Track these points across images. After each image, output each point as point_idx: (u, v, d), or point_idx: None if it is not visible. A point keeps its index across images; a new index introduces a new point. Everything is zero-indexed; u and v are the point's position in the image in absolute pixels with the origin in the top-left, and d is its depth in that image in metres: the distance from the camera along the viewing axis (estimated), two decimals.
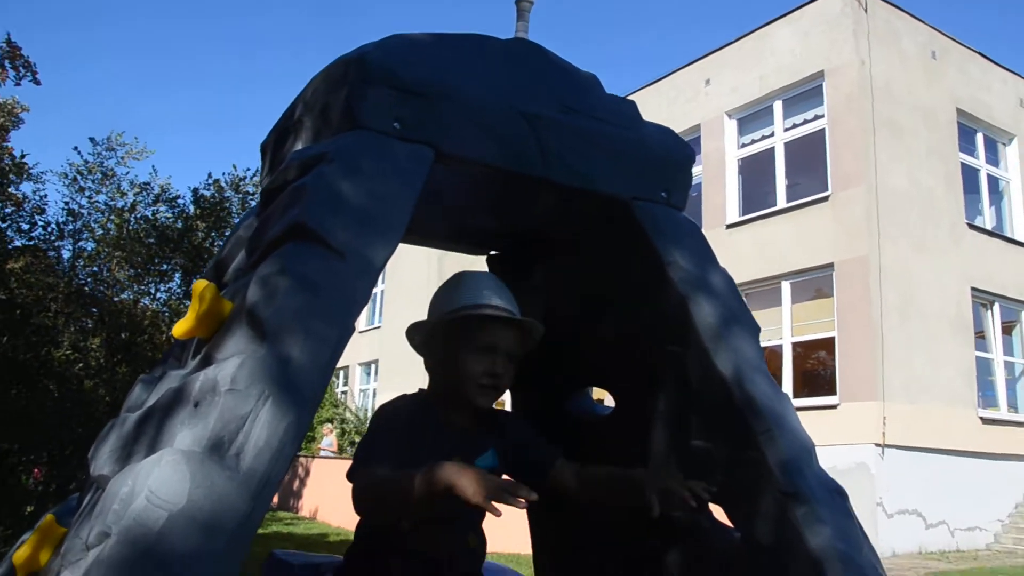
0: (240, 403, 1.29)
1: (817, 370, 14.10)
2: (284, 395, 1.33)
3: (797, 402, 12.55)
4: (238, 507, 1.22)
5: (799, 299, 13.83)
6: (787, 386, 13.24)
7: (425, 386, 2.00)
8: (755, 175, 15.05)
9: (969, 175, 14.67)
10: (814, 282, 13.55)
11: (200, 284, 1.62)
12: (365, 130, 1.71)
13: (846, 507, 1.96)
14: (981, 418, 13.39)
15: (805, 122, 14.20)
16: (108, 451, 1.53)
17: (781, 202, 14.24)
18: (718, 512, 2.07)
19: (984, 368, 13.96)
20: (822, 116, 13.74)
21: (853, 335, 12.52)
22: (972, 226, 14.28)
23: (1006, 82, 15.71)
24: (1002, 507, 13.46)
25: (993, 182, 15.33)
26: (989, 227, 14.73)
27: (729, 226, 14.83)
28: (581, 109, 2.04)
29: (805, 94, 14.16)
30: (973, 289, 13.88)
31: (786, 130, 14.46)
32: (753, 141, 15.11)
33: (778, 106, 14.58)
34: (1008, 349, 14.73)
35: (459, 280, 1.96)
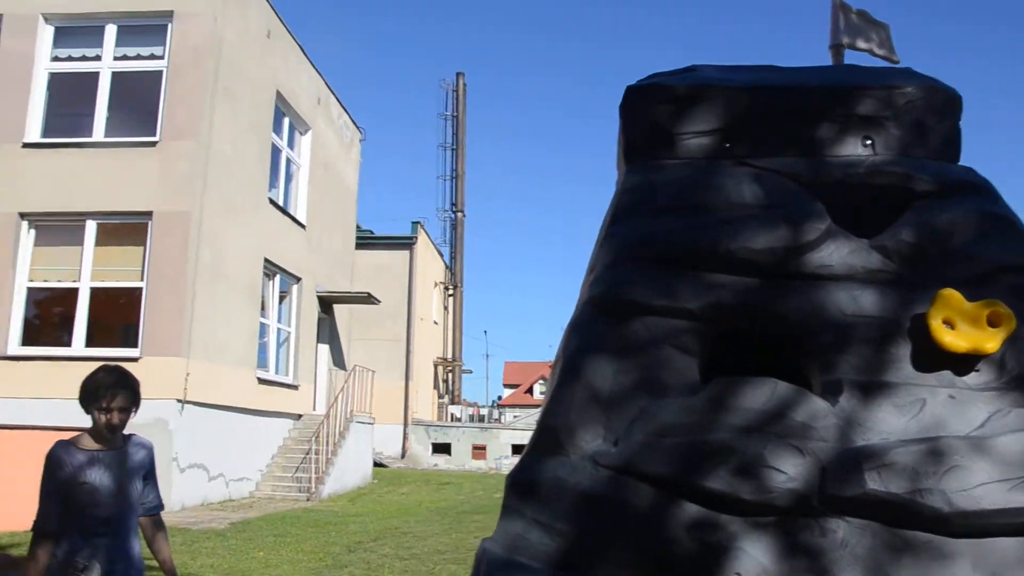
0: None
1: (117, 320, 13.27)
2: None
3: (94, 351, 11.74)
4: None
5: (105, 242, 12.84)
6: (80, 333, 12.19)
7: None
8: (70, 97, 13.43)
9: (275, 154, 15.84)
10: (126, 228, 12.78)
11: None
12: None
13: None
14: (258, 378, 14.58)
15: (140, 57, 13.34)
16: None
17: (99, 135, 13.05)
18: None
19: (261, 332, 15.21)
20: (161, 57, 13.13)
21: (162, 289, 12.28)
22: (271, 201, 15.46)
23: (311, 78, 17.48)
24: (262, 459, 14.89)
25: (288, 165, 16.84)
26: (280, 203, 16.13)
27: (27, 145, 12.87)
28: None
29: (147, 28, 13.31)
30: (265, 260, 15.05)
31: (116, 59, 13.32)
32: (72, 58, 13.45)
33: (111, 29, 13.33)
34: (281, 317, 16.38)
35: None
